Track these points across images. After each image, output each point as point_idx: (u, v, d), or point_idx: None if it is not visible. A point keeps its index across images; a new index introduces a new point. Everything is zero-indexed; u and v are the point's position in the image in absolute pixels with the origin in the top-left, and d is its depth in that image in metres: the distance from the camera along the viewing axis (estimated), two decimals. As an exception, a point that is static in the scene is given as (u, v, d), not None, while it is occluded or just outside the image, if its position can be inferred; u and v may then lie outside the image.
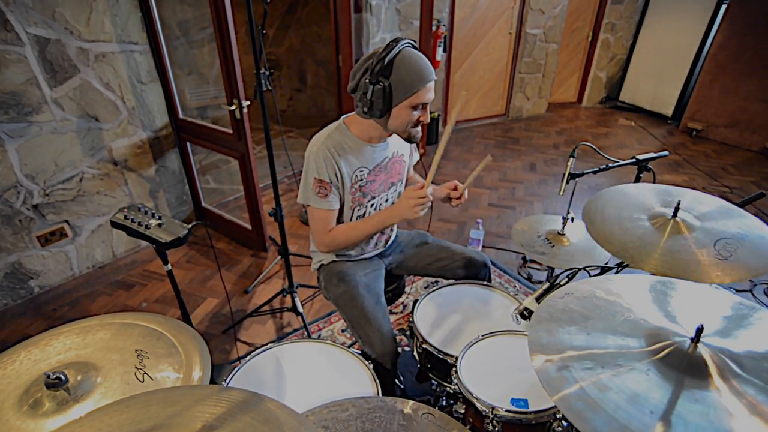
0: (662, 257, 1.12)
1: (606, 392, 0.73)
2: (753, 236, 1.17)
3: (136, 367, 0.93)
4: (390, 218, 1.38)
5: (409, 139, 1.37)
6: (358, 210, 1.46)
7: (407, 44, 1.27)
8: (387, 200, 1.54)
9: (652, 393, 0.72)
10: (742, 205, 1.61)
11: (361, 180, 1.42)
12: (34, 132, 2.18)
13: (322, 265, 1.58)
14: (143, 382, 0.90)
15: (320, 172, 1.34)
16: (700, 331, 0.76)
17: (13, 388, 0.87)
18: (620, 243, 1.20)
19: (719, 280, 1.04)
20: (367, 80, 1.27)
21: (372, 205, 1.49)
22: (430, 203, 1.33)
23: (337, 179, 1.37)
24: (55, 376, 0.84)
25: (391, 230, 1.64)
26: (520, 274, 2.65)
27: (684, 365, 0.75)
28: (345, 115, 1.43)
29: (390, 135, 1.43)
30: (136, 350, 0.97)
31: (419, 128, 1.36)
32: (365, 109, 1.30)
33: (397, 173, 1.53)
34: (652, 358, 0.78)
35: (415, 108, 1.29)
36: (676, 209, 1.26)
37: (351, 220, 1.47)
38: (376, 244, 1.60)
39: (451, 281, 1.60)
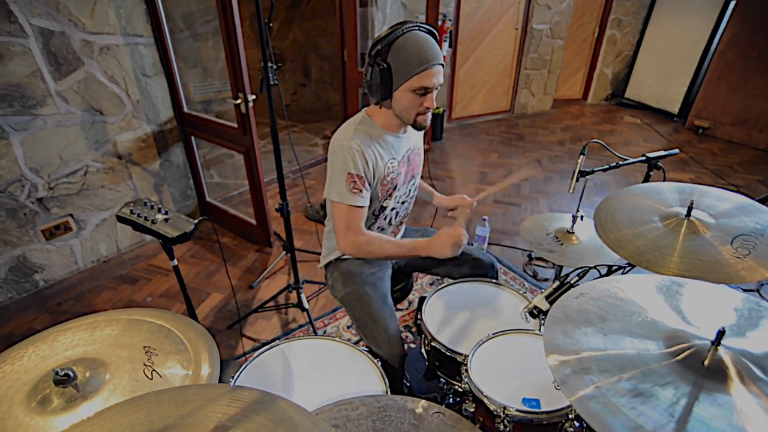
0: (680, 259, 1.11)
1: (624, 395, 0.72)
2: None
3: (144, 364, 0.92)
4: (426, 250, 1.32)
5: (416, 127, 1.33)
6: (385, 202, 1.44)
7: (414, 27, 1.23)
8: (406, 192, 1.51)
9: (671, 396, 0.71)
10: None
11: (393, 171, 1.39)
12: (38, 125, 2.17)
13: (330, 262, 1.56)
14: (152, 379, 0.89)
15: (354, 167, 1.28)
16: (721, 334, 0.74)
17: (21, 384, 0.86)
18: (634, 248, 1.18)
19: (746, 279, 1.02)
20: (368, 62, 1.25)
21: (394, 198, 1.47)
22: (465, 242, 1.30)
23: (369, 173, 1.32)
24: (63, 373, 0.83)
25: (399, 228, 1.62)
26: (525, 271, 2.64)
27: (704, 368, 0.74)
28: (366, 108, 1.41)
29: (407, 124, 1.39)
30: (144, 347, 0.96)
31: (427, 115, 1.31)
32: (365, 91, 1.30)
33: (417, 165, 1.52)
34: (671, 360, 0.76)
35: (417, 92, 1.24)
36: (690, 209, 1.24)
37: (377, 210, 1.44)
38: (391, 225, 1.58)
39: (460, 278, 1.59)
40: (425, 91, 1.25)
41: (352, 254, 1.38)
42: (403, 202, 1.53)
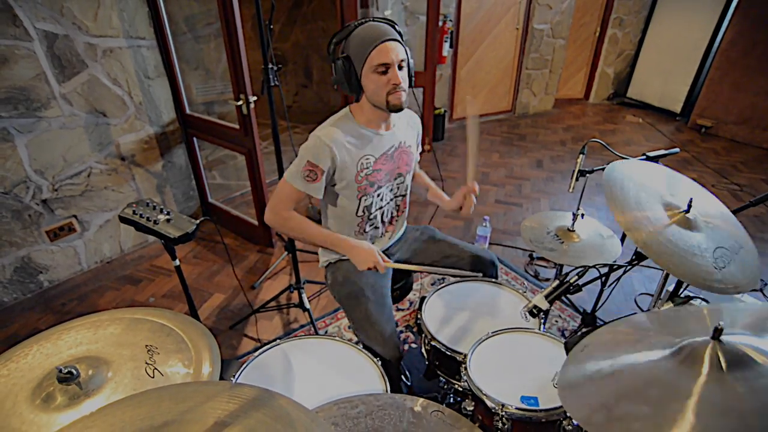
0: (661, 243, 1.12)
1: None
2: (745, 250, 1.16)
3: (146, 363, 0.93)
4: (344, 249, 1.38)
5: (391, 108, 1.31)
6: (365, 200, 1.44)
7: (369, 20, 1.29)
8: (392, 190, 1.51)
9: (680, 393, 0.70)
10: (754, 204, 1.60)
11: (368, 168, 1.40)
12: (43, 127, 2.19)
13: (329, 263, 1.57)
14: (153, 377, 0.91)
15: (316, 157, 1.31)
16: (718, 330, 0.74)
17: (26, 381, 0.87)
18: (631, 217, 1.18)
19: (722, 291, 1.03)
20: (330, 59, 1.31)
21: (378, 195, 1.46)
22: (381, 269, 1.34)
23: (333, 169, 1.34)
24: (66, 371, 0.84)
25: (393, 226, 1.62)
26: (527, 271, 2.64)
27: (707, 362, 0.73)
28: (350, 104, 1.42)
29: (388, 117, 1.40)
30: (147, 346, 0.98)
31: (399, 93, 1.29)
32: (336, 88, 1.34)
33: (405, 164, 1.50)
34: (677, 362, 0.75)
35: (378, 71, 1.26)
36: (689, 206, 1.25)
37: (358, 209, 1.45)
38: (382, 236, 1.58)
39: (459, 278, 1.60)
40: (386, 67, 1.26)
41: (272, 224, 1.41)
42: (391, 200, 1.52)
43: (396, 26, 1.31)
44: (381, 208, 1.51)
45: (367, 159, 1.39)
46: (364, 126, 1.38)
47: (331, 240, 1.40)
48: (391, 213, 1.56)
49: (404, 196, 1.58)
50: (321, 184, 1.35)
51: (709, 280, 1.05)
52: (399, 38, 1.28)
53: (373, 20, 1.29)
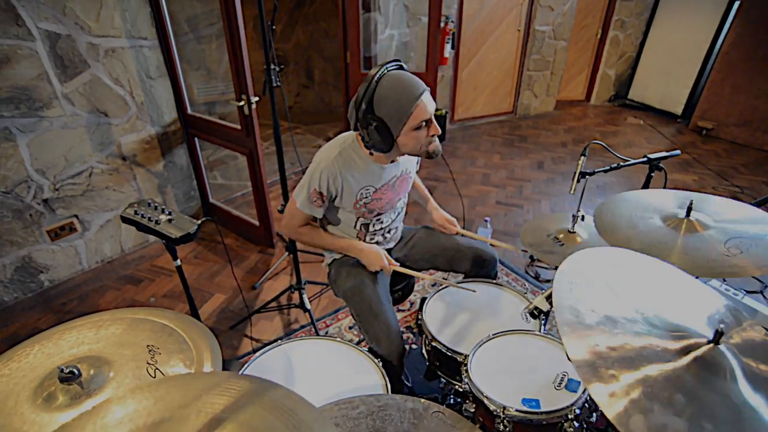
0: (679, 256, 1.12)
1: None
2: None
3: (148, 363, 0.93)
4: (354, 252, 1.48)
5: (430, 156, 1.36)
6: (363, 220, 1.50)
7: (384, 71, 1.25)
8: (395, 213, 1.57)
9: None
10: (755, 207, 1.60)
11: (366, 198, 1.43)
12: (44, 127, 2.20)
13: (334, 260, 1.59)
14: (155, 377, 0.91)
15: (321, 186, 1.36)
16: (718, 333, 0.74)
17: (28, 381, 0.87)
18: (632, 243, 1.19)
19: (737, 274, 1.03)
20: (360, 125, 1.29)
21: (378, 220, 1.52)
22: (387, 272, 1.47)
23: (337, 196, 1.40)
24: (68, 370, 0.84)
25: (396, 229, 1.64)
26: (527, 272, 2.64)
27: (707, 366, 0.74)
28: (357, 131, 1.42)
29: (402, 154, 1.42)
30: (148, 345, 0.98)
31: (436, 142, 1.34)
32: (368, 146, 1.32)
33: (404, 189, 1.55)
34: (679, 360, 0.75)
35: (418, 128, 1.28)
36: (689, 210, 1.25)
37: (355, 226, 1.50)
38: (386, 239, 1.61)
39: (460, 280, 1.60)
40: (427, 122, 1.28)
41: (290, 237, 1.53)
42: (393, 221, 1.58)
43: (403, 66, 1.31)
44: (381, 228, 1.55)
45: (367, 190, 1.42)
46: (371, 160, 1.39)
47: (341, 245, 1.50)
48: (394, 229, 1.62)
49: (402, 213, 1.63)
50: (324, 205, 1.43)
51: (719, 269, 1.07)
52: (427, 87, 1.28)
53: (389, 70, 1.26)
